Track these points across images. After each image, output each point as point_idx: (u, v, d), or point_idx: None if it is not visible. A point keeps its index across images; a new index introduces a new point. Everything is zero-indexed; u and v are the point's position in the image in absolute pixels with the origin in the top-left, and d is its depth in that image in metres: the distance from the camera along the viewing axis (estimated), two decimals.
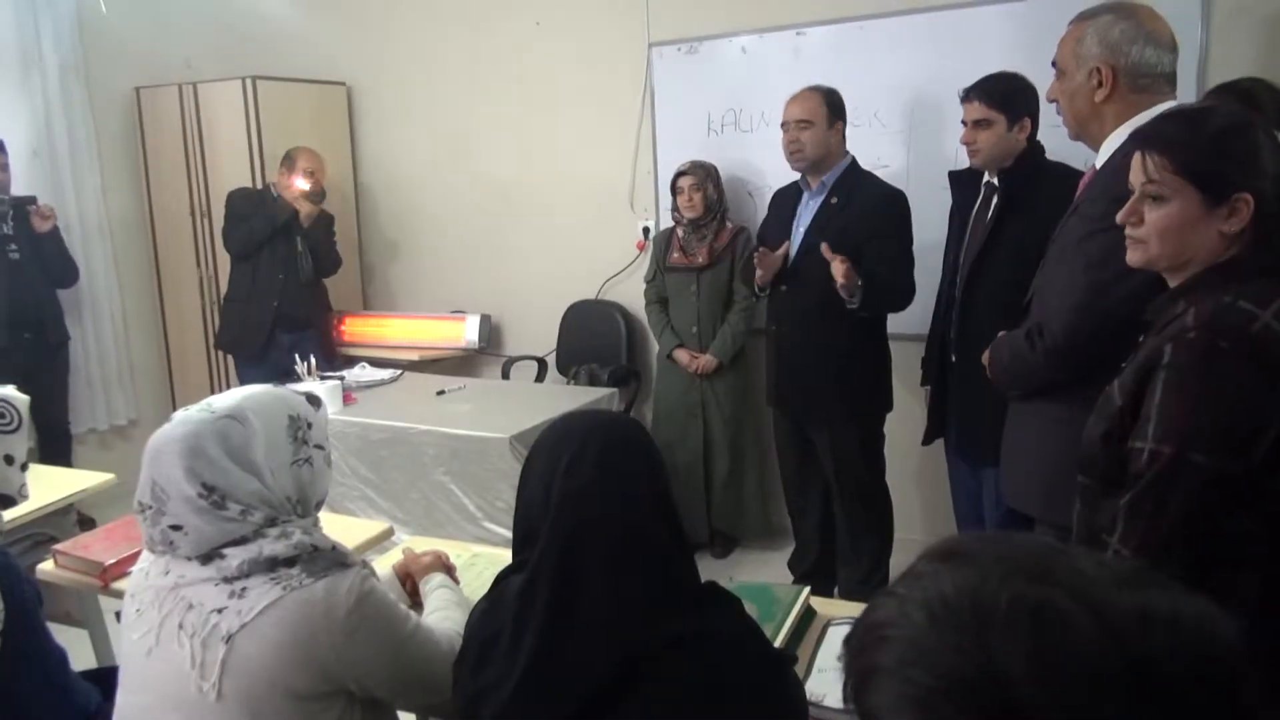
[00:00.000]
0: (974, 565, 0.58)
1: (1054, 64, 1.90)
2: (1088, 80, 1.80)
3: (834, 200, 2.97)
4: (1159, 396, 1.29)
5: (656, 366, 3.91)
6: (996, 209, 2.55)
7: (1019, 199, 2.51)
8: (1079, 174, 2.13)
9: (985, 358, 2.06)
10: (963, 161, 2.80)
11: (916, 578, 0.60)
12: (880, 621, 0.59)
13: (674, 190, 3.63)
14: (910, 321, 3.10)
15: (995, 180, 2.60)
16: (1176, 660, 0.52)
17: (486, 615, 1.29)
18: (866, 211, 2.92)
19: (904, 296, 2.96)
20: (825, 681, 1.37)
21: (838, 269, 2.73)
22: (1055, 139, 2.05)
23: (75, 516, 2.71)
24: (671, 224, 3.76)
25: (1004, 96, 2.57)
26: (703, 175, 3.60)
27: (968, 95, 2.63)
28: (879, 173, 3.14)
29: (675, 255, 3.70)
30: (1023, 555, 0.58)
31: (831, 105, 2.97)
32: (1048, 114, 2.31)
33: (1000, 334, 2.03)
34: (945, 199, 2.89)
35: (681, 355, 3.67)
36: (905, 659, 0.56)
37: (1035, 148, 2.60)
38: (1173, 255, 1.38)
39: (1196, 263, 1.36)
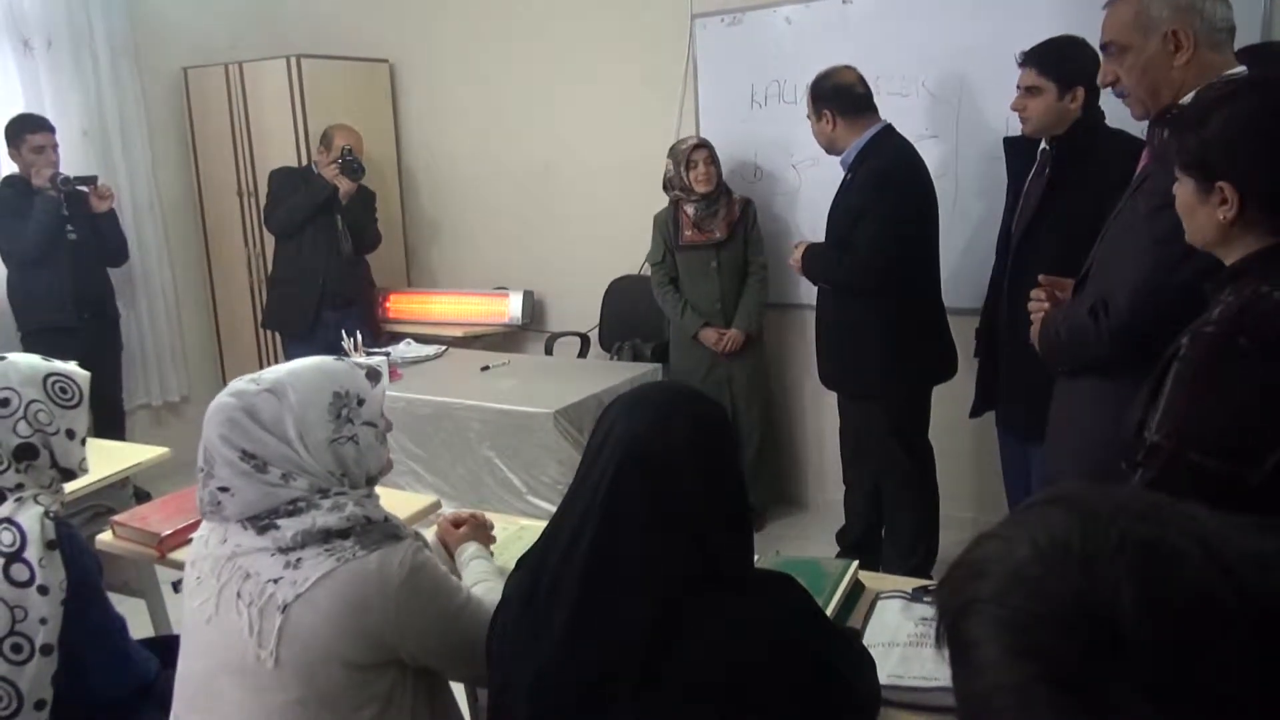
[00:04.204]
0: (1081, 506, 0.57)
1: (1103, 46, 1.80)
2: (1163, 46, 1.70)
3: (850, 177, 2.96)
4: (1168, 389, 1.27)
5: (673, 349, 3.83)
6: (1048, 177, 2.50)
7: (1071, 167, 2.45)
8: (1140, 142, 2.06)
9: (1034, 333, 2.01)
10: (1016, 129, 2.73)
11: (1019, 521, 0.58)
12: (980, 558, 0.58)
13: (687, 165, 3.56)
14: (967, 294, 3.04)
15: (1051, 147, 2.54)
16: None
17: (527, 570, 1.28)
18: (858, 188, 2.90)
19: (857, 272, 2.87)
20: (875, 657, 1.36)
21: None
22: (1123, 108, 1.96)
23: (132, 489, 2.77)
24: (670, 203, 3.69)
25: (1057, 64, 2.50)
26: (712, 149, 3.59)
27: (1024, 60, 2.58)
28: (926, 143, 3.08)
29: (689, 233, 3.64)
30: (1133, 500, 0.57)
31: (814, 97, 2.95)
32: None
33: (1050, 307, 1.98)
34: (997, 168, 2.83)
35: (709, 335, 3.62)
36: (1006, 588, 0.55)
37: (1092, 115, 2.53)
38: (1194, 238, 1.37)
39: (1216, 247, 1.34)
